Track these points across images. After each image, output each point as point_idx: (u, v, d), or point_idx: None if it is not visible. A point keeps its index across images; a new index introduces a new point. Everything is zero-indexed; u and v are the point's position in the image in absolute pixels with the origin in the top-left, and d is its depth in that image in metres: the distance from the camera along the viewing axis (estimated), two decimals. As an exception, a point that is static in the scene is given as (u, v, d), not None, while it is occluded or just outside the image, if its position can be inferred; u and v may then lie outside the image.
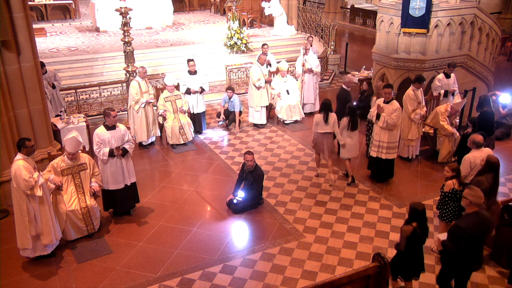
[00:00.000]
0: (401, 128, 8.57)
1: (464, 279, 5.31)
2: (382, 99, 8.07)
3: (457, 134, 8.79)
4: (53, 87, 9.93)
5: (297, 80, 11.37)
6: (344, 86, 9.28)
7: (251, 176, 7.43)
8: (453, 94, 9.57)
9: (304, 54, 11.30)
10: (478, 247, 5.13)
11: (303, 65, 11.14)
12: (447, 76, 9.50)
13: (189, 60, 10.27)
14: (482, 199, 5.09)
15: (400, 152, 8.91)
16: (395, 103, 7.93)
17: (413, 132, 8.80)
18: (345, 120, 8.03)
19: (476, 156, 6.59)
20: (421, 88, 8.81)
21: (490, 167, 6.09)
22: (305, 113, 11.10)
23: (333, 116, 8.09)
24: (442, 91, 9.51)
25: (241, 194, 7.44)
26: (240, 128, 10.62)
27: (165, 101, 9.66)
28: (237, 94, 11.48)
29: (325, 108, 8.10)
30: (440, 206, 6.35)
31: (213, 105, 11.85)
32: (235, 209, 7.44)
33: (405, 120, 8.67)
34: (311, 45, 11.80)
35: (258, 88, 10.44)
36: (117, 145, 6.99)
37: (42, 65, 9.94)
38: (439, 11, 9.33)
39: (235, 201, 7.45)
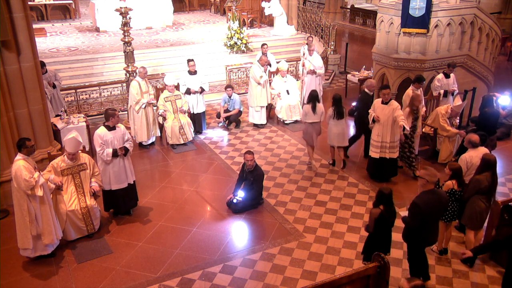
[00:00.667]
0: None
1: (420, 251, 5.72)
2: (380, 99, 8.07)
3: (463, 132, 8.67)
4: (54, 86, 9.94)
5: (297, 80, 11.37)
6: (366, 90, 8.99)
7: (251, 176, 7.43)
8: (452, 94, 9.57)
9: (304, 54, 11.30)
10: (435, 222, 5.58)
11: (303, 65, 11.14)
12: (447, 76, 9.50)
13: (189, 60, 10.27)
14: (436, 177, 5.51)
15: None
16: (393, 103, 7.93)
17: None
18: (330, 110, 8.53)
19: (473, 156, 6.57)
20: (420, 88, 8.81)
21: (487, 165, 6.06)
22: None
23: (320, 107, 8.58)
24: (442, 91, 9.52)
25: (241, 194, 7.44)
26: (230, 121, 10.66)
27: (165, 101, 9.66)
28: (237, 94, 11.49)
29: (312, 99, 8.54)
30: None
31: (213, 105, 11.85)
32: (235, 209, 7.45)
33: None
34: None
35: (263, 86, 10.43)
36: (119, 145, 7.00)
37: (43, 64, 9.91)
38: (439, 11, 9.33)
39: (235, 201, 7.45)
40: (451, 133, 8.69)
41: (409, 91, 8.70)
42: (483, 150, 6.65)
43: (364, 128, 8.76)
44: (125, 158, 7.09)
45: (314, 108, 8.46)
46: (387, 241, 5.75)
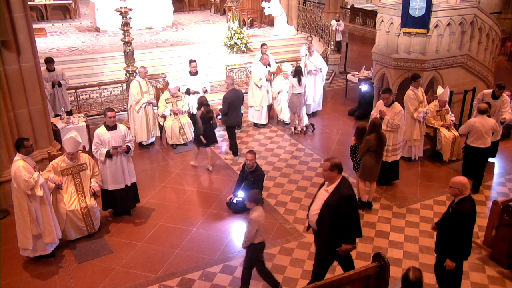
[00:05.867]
0: (405, 128, 8.56)
1: (232, 132, 9.29)
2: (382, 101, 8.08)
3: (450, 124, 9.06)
4: (59, 85, 9.95)
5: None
6: None
7: (252, 176, 7.42)
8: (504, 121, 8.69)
9: (306, 55, 11.27)
10: (237, 110, 9.27)
11: (305, 66, 11.12)
12: (495, 97, 8.61)
13: (191, 61, 10.25)
14: (233, 80, 9.61)
15: (402, 152, 8.83)
16: (396, 106, 7.90)
17: (417, 132, 8.76)
18: (294, 80, 9.98)
19: (476, 121, 7.26)
20: (421, 88, 8.79)
21: (373, 127, 7.06)
22: (310, 113, 11.11)
23: (304, 80, 10.02)
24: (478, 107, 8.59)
25: (241, 194, 7.44)
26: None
27: (166, 102, 9.66)
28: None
29: (297, 73, 9.86)
30: (351, 157, 7.68)
31: (213, 105, 11.82)
32: (235, 209, 7.45)
33: (408, 120, 8.65)
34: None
35: (260, 87, 10.43)
36: (116, 145, 6.98)
37: (52, 61, 9.88)
38: (439, 11, 9.32)
39: (235, 201, 7.45)
40: (436, 126, 9.00)
41: (409, 91, 8.67)
42: (489, 120, 7.32)
43: None
44: (124, 159, 7.07)
45: (299, 81, 9.78)
46: (210, 133, 8.60)
